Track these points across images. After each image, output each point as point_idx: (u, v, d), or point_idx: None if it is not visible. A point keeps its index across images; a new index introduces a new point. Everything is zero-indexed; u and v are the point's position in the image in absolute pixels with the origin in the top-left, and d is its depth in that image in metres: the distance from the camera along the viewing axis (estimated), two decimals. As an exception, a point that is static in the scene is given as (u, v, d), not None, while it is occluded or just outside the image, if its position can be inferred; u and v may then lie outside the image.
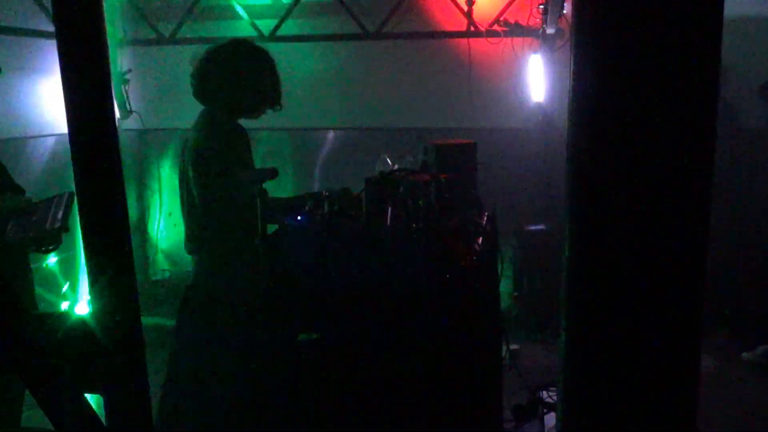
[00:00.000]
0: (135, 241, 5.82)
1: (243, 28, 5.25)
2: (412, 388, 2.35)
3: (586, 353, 1.32)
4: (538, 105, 5.04)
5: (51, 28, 5.13)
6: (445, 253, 2.48)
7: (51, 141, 5.00)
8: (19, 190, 2.75)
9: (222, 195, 2.82)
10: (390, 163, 3.04)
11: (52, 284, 4.86)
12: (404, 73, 5.27)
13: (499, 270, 2.90)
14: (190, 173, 2.86)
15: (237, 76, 2.90)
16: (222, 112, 2.96)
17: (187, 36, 5.37)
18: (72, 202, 2.55)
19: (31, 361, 2.48)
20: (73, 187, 1.12)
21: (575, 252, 1.31)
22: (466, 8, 4.98)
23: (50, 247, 2.58)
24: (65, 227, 2.50)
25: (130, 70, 5.45)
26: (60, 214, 2.51)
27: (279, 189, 3.31)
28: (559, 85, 4.93)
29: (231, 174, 2.77)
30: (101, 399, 1.27)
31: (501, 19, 4.97)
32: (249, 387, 2.54)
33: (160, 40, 5.42)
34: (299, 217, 2.67)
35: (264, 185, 2.50)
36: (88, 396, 1.28)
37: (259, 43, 3.06)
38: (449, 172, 2.89)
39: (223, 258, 2.87)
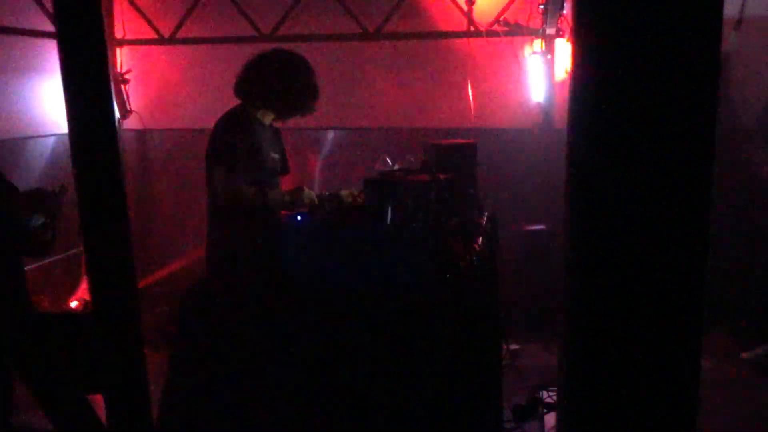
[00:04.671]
0: (135, 240, 5.82)
1: (243, 28, 5.25)
2: (412, 387, 2.35)
3: (586, 353, 1.32)
4: (538, 105, 5.04)
5: (51, 28, 5.14)
6: (445, 253, 2.48)
7: (51, 141, 4.99)
8: (14, 190, 2.72)
9: (226, 190, 2.98)
10: (390, 163, 3.04)
11: (53, 283, 4.86)
12: (404, 73, 5.27)
13: (499, 270, 2.90)
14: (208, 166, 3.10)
15: (279, 81, 3.12)
16: (253, 111, 3.16)
17: (187, 36, 5.37)
18: (59, 197, 2.46)
19: (31, 361, 2.48)
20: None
21: (575, 252, 1.31)
22: (466, 8, 4.98)
23: (39, 250, 2.52)
24: (53, 225, 2.44)
25: (130, 70, 5.44)
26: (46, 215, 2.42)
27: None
28: (559, 85, 4.93)
29: (238, 171, 2.96)
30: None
31: (501, 19, 4.96)
32: (249, 387, 2.54)
33: (160, 40, 5.41)
34: (299, 217, 2.67)
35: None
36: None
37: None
38: (449, 172, 2.89)
39: (227, 254, 2.98)
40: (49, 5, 4.73)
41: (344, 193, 2.90)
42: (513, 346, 4.14)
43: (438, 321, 2.34)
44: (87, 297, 4.99)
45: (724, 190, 4.17)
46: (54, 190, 2.58)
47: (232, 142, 3.03)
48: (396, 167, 2.96)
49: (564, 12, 4.33)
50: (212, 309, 2.74)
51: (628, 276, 1.25)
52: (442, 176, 2.76)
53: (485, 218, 2.92)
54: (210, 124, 3.22)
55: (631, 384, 1.29)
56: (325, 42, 5.22)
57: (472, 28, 5.02)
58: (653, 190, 1.22)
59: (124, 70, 5.41)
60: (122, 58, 5.49)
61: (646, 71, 1.18)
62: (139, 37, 5.51)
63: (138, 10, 5.39)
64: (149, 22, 5.39)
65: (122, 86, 5.40)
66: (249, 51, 3.28)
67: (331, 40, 5.24)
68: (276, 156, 3.30)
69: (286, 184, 3.53)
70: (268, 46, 3.30)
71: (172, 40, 5.38)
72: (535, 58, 4.96)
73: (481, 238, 2.71)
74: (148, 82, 5.63)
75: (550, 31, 4.69)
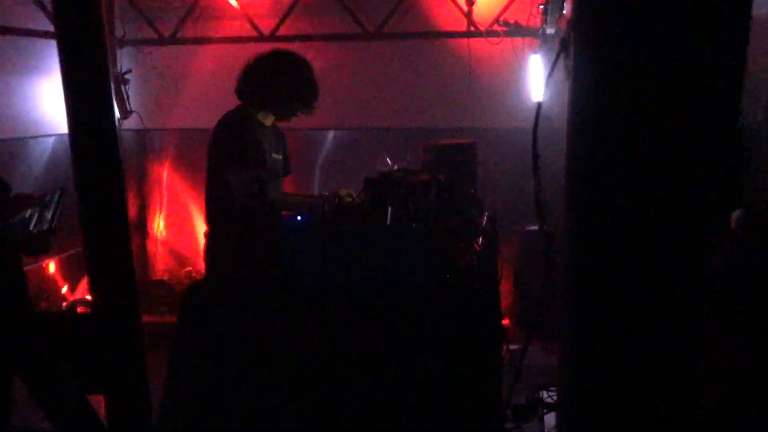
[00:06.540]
0: (135, 241, 5.83)
1: (243, 28, 5.25)
2: (412, 388, 2.35)
3: (586, 353, 1.32)
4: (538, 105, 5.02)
5: (51, 28, 5.14)
6: (445, 253, 2.48)
7: (51, 141, 4.99)
8: (5, 187, 2.70)
9: (222, 186, 3.01)
10: (390, 163, 3.04)
11: (53, 284, 4.86)
12: (404, 73, 5.27)
13: (499, 270, 2.90)
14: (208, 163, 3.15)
15: (279, 82, 3.13)
16: (254, 112, 3.17)
17: (187, 36, 5.37)
18: (61, 200, 2.47)
19: (31, 361, 2.48)
20: (72, 187, 1.11)
21: (575, 252, 1.31)
22: (466, 8, 4.98)
23: (39, 251, 2.52)
24: (54, 230, 2.44)
25: (130, 70, 5.44)
26: (49, 216, 2.43)
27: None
28: (559, 85, 4.92)
29: (235, 169, 2.98)
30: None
31: (501, 19, 4.96)
32: (249, 387, 2.54)
33: (160, 40, 5.41)
34: (299, 217, 2.67)
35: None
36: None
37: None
38: (449, 172, 2.89)
39: (228, 254, 3.00)
40: (49, 5, 4.73)
41: (344, 193, 2.90)
42: (513, 346, 4.13)
43: (438, 321, 2.34)
44: (87, 297, 4.99)
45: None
46: (52, 194, 2.58)
47: (242, 146, 3.04)
48: (396, 167, 2.96)
49: (564, 12, 4.33)
50: (212, 309, 2.74)
51: (628, 276, 1.25)
52: (442, 176, 2.76)
53: (485, 218, 2.93)
54: (210, 124, 3.22)
55: (631, 384, 1.29)
56: (325, 42, 5.22)
57: (472, 28, 5.02)
58: (653, 190, 1.22)
59: (124, 70, 5.40)
60: (122, 58, 5.49)
61: (644, 71, 1.18)
62: (139, 37, 5.51)
63: (138, 10, 5.39)
64: (149, 22, 5.39)
65: (122, 86, 5.39)
66: (249, 51, 3.29)
67: (331, 40, 5.24)
68: (278, 157, 3.30)
69: (286, 184, 3.53)
70: (268, 47, 3.31)
71: (172, 40, 5.38)
72: (535, 58, 4.96)
73: (481, 238, 2.71)
74: (148, 82, 5.63)
75: (550, 31, 4.69)
